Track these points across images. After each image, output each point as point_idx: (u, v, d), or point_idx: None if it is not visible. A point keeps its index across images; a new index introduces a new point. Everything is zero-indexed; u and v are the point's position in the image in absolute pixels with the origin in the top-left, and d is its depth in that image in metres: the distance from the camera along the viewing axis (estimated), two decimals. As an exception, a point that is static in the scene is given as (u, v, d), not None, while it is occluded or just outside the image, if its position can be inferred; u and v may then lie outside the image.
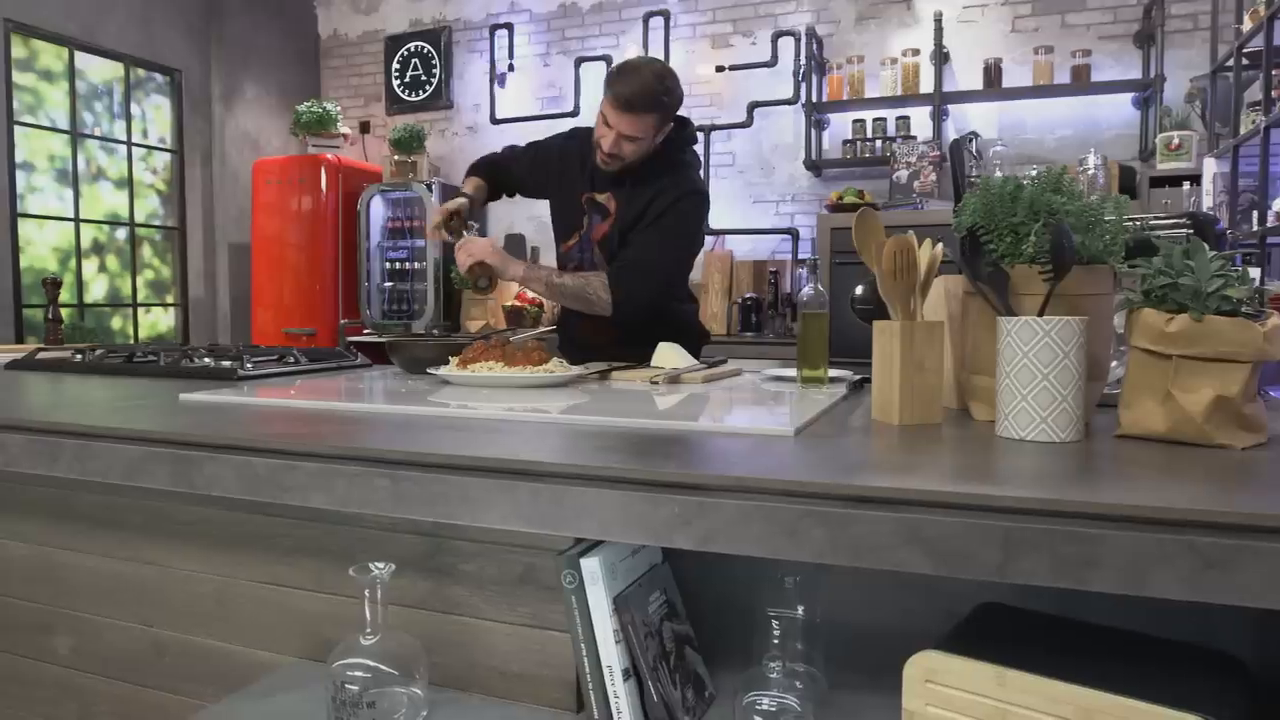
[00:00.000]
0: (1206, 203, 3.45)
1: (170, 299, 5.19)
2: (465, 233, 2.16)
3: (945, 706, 0.83)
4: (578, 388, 1.50)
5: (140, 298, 5.00)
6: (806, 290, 1.46)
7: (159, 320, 5.15)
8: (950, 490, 0.72)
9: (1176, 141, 3.63)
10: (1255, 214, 3.14)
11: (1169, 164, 3.66)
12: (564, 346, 2.33)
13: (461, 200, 2.23)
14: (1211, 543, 0.64)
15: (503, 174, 2.37)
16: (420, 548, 1.13)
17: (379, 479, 0.90)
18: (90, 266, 4.74)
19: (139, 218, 4.97)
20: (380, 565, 1.02)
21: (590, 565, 0.97)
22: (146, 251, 5.07)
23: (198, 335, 5.19)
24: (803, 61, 4.50)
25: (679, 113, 2.14)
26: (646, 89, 1.98)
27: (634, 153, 2.04)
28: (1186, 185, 3.55)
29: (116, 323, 4.90)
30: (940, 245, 1.14)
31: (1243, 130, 3.28)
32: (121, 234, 4.90)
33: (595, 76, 4.95)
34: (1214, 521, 0.65)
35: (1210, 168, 3.51)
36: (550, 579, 1.07)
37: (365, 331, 4.93)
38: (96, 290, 4.79)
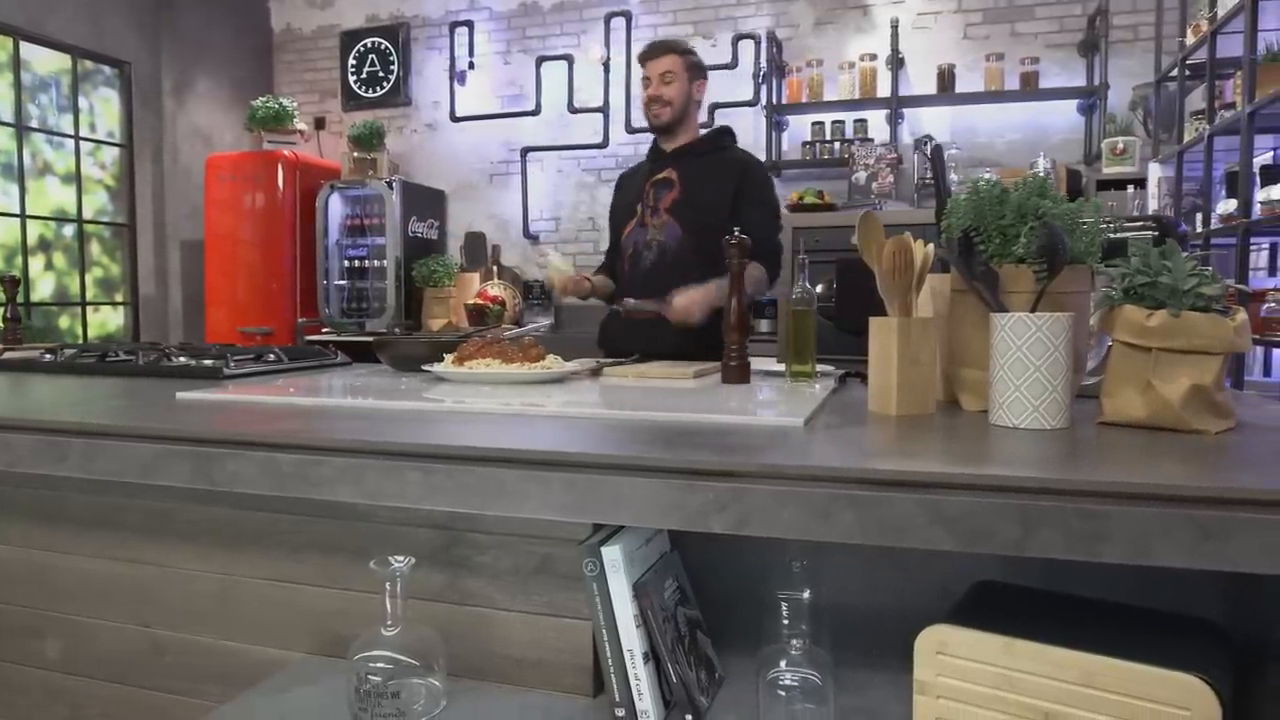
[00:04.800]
0: (1151, 205, 3.62)
1: (120, 297, 5.05)
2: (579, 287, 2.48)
3: (955, 676, 0.89)
4: (571, 384, 1.53)
5: (89, 296, 4.86)
6: (795, 288, 1.51)
7: (108, 319, 5.00)
8: (972, 472, 0.78)
9: (1121, 146, 3.80)
10: (1199, 216, 3.31)
11: (1114, 168, 3.82)
12: (610, 335, 2.57)
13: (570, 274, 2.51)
14: (1209, 515, 0.71)
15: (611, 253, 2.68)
16: (435, 541, 1.16)
17: (410, 472, 0.93)
18: (37, 264, 4.59)
19: (87, 214, 4.82)
20: (400, 559, 1.04)
21: (611, 553, 1.01)
22: (95, 249, 4.92)
23: (149, 334, 5.06)
24: (762, 64, 4.58)
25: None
26: (664, 40, 2.63)
27: (676, 95, 2.48)
28: (1130, 189, 3.72)
29: (64, 322, 4.75)
30: (932, 245, 1.20)
31: (1187, 137, 3.45)
32: (69, 231, 4.75)
33: (556, 75, 4.96)
34: (1211, 496, 0.72)
35: (1155, 172, 3.68)
36: (566, 568, 1.10)
37: (324, 330, 4.86)
38: (44, 289, 4.64)
